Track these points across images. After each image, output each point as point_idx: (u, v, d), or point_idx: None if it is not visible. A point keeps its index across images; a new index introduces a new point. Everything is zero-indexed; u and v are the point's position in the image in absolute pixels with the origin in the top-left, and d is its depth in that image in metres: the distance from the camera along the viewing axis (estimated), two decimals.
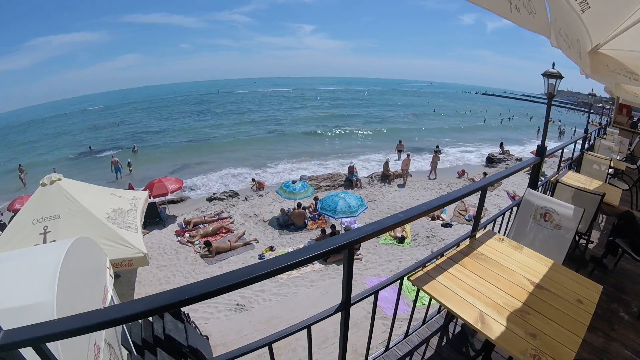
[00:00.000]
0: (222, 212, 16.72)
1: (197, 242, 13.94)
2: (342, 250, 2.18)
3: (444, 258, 3.14)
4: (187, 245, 13.95)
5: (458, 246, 3.38)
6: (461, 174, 22.26)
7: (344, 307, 2.47)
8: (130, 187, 17.85)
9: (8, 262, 5.75)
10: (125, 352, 5.60)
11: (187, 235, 14.59)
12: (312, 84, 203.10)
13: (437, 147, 24.80)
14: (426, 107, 70.78)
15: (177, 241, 14.30)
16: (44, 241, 8.45)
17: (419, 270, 2.96)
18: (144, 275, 11.79)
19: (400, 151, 28.01)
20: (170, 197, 17.39)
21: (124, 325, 5.66)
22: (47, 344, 1.67)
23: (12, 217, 16.50)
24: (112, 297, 6.73)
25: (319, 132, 41.38)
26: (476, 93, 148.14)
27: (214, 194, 19.37)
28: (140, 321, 6.35)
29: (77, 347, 3.77)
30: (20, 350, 1.63)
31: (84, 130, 63.39)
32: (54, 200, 9.32)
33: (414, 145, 31.61)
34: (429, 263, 3.07)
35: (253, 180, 21.38)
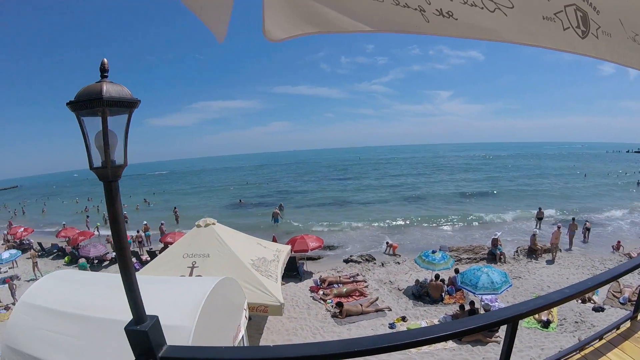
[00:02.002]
0: (358, 275, 16.66)
1: (330, 300, 14.00)
2: (504, 325, 2.01)
3: (602, 341, 2.88)
4: (320, 302, 14.10)
5: (618, 329, 3.08)
6: (616, 247, 19.58)
7: None
8: (274, 240, 18.75)
9: (163, 284, 6.29)
10: None
11: (320, 292, 14.77)
12: (451, 150, 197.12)
13: (587, 223, 22.57)
14: (575, 172, 63.52)
15: (311, 297, 14.57)
16: (190, 274, 9.31)
17: (576, 354, 2.73)
18: (273, 323, 12.13)
19: (540, 219, 26.06)
20: (309, 253, 18.05)
21: None
22: None
23: (163, 248, 18.77)
24: (242, 336, 6.96)
25: (460, 199, 39.56)
26: (627, 151, 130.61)
27: (351, 256, 19.52)
28: None
29: None
30: None
31: (237, 184, 69.96)
32: (205, 241, 10.36)
33: (562, 216, 28.61)
34: (588, 346, 2.81)
35: (387, 243, 21.38)
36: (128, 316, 4.87)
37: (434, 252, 15.79)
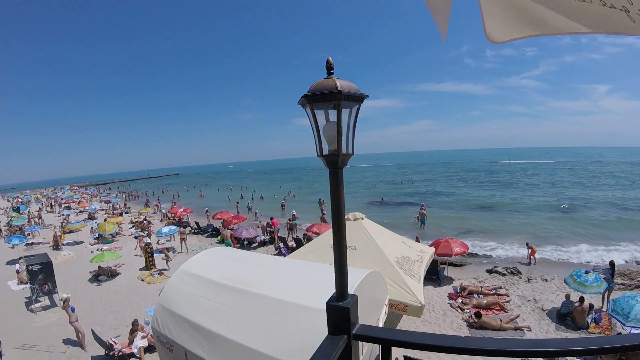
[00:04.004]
0: (501, 287, 15.72)
1: (467, 310, 13.47)
2: None
3: None
4: (457, 310, 13.67)
5: None
6: None
7: None
8: (417, 240, 18.60)
9: (319, 271, 6.65)
10: None
11: (459, 300, 14.30)
12: (613, 155, 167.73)
13: None
14: None
15: (448, 304, 14.20)
16: None
17: None
18: (406, 323, 12.08)
19: None
20: (452, 259, 17.53)
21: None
22: None
23: (308, 237, 20.38)
24: None
25: (620, 218, 33.82)
26: None
27: (495, 266, 18.41)
28: None
29: None
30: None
31: (379, 182, 70.04)
32: (353, 234, 10.71)
33: None
34: None
35: (527, 244, 20.39)
36: (278, 293, 5.39)
37: (587, 272, 14.35)
